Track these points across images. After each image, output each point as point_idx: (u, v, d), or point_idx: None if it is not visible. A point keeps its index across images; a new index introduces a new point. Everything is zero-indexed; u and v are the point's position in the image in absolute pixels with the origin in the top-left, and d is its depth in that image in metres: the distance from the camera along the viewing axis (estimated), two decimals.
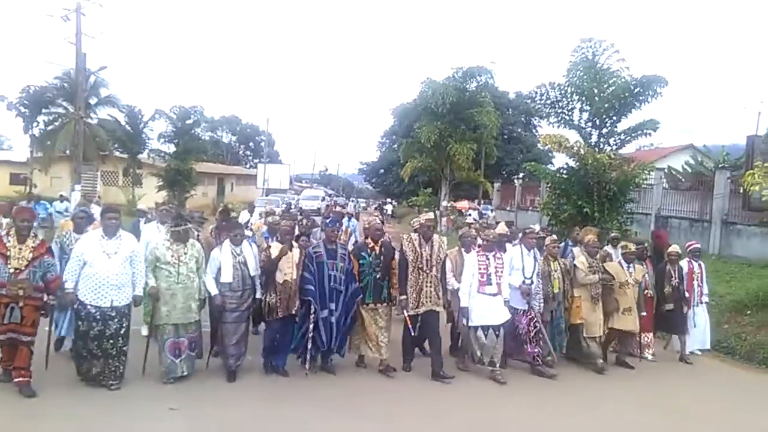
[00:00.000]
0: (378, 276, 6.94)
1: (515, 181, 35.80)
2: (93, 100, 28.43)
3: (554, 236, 8.30)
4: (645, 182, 15.98)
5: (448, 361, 7.43)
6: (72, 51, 22.36)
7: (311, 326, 6.59)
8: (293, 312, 6.63)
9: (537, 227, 8.55)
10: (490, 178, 34.66)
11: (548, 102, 15.26)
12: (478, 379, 7.15)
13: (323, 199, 44.84)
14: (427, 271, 6.92)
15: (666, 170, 26.96)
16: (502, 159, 39.43)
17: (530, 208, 33.37)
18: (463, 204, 33.65)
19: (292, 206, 35.10)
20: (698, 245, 9.17)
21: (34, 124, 27.64)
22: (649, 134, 14.79)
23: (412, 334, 6.97)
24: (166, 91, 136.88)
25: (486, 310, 6.94)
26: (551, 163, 35.09)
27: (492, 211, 34.04)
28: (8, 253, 5.57)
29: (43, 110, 27.26)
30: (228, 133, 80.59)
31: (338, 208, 17.37)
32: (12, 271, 5.52)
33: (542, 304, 7.48)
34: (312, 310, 6.60)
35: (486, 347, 6.94)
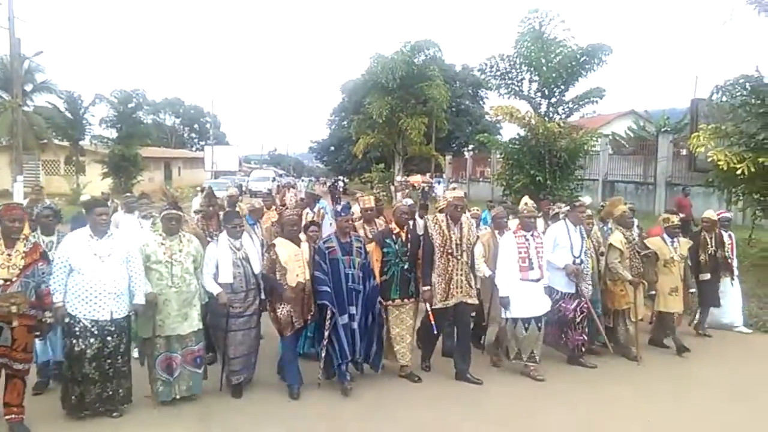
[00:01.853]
0: (405, 267, 5.97)
1: (465, 153, 36.27)
2: (29, 87, 27.12)
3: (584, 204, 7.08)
4: (592, 149, 16.47)
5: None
6: (5, 36, 21.26)
7: (326, 333, 5.55)
8: (309, 318, 5.68)
9: (587, 200, 7.65)
10: (441, 152, 34.93)
11: (498, 73, 15.54)
12: (510, 376, 6.28)
13: (273, 179, 44.33)
14: (458, 257, 5.87)
15: (611, 136, 27.84)
16: (453, 132, 39.69)
17: (481, 179, 33.93)
18: (416, 178, 33.80)
19: (243, 188, 34.73)
20: (728, 214, 8.51)
21: None
22: (596, 102, 15.29)
23: (435, 332, 5.99)
24: (105, 75, 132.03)
25: (529, 300, 6.02)
26: (500, 134, 35.64)
27: (440, 183, 34.26)
28: None
29: None
30: (171, 115, 78.41)
31: (285, 189, 17.21)
32: (0, 283, 4.49)
33: (591, 287, 6.62)
34: (329, 316, 5.54)
35: (526, 341, 6.11)
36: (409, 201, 6.77)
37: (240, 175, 51.06)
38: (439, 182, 34.47)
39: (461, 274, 5.92)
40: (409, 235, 6.09)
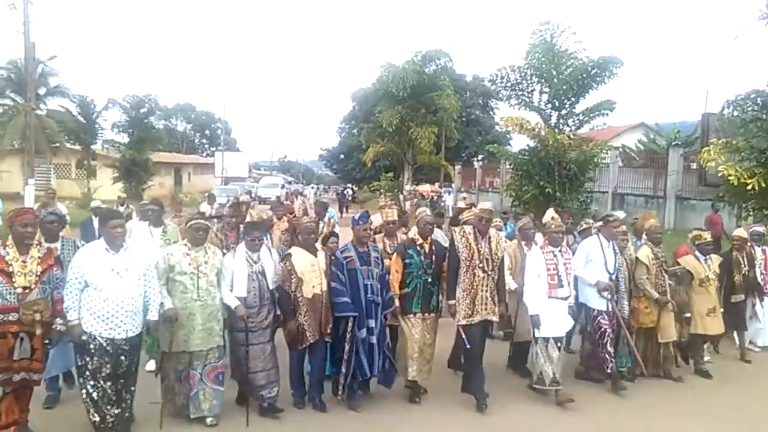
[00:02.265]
0: (429, 280, 5.73)
1: (475, 163, 36.24)
2: (42, 91, 27.36)
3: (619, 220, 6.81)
4: (602, 161, 16.44)
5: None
6: (20, 40, 21.53)
7: (347, 348, 5.33)
8: (327, 332, 5.41)
9: (620, 214, 7.34)
10: (451, 161, 34.92)
11: (508, 84, 15.51)
12: (538, 402, 5.90)
13: (282, 186, 44.45)
14: (488, 272, 5.61)
15: (621, 149, 27.74)
16: (462, 142, 39.72)
17: (490, 189, 33.89)
18: (425, 188, 33.84)
19: (252, 194, 34.85)
20: (760, 228, 8.16)
21: None
22: (606, 114, 15.24)
23: (467, 346, 5.64)
24: (118, 79, 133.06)
25: (556, 318, 5.78)
26: (509, 144, 35.66)
27: (450, 193, 34.13)
28: (10, 269, 4.41)
29: None
30: (183, 121, 78.86)
31: (293, 196, 17.27)
32: (20, 291, 4.38)
33: (626, 305, 6.40)
34: (349, 329, 5.34)
35: (555, 363, 5.77)
36: (428, 212, 6.60)
37: (250, 181, 51.20)
38: (448, 192, 34.35)
39: (486, 291, 5.63)
40: (432, 247, 5.85)
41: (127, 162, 32.80)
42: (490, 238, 5.74)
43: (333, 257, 5.58)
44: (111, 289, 4.52)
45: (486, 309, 5.64)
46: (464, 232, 5.73)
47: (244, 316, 5.05)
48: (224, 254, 5.42)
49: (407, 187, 30.62)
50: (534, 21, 18.05)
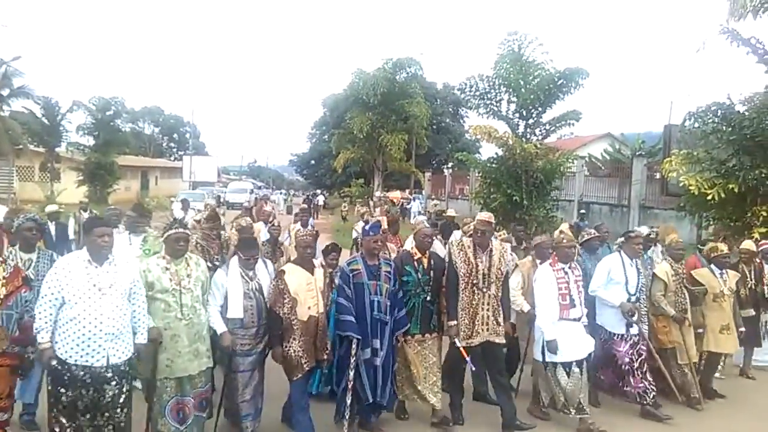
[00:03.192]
0: (428, 298, 5.22)
1: (445, 170, 36.48)
2: (5, 92, 26.78)
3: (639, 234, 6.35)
4: (568, 170, 16.73)
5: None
6: None
7: (351, 373, 4.80)
8: (324, 357, 4.83)
9: (643, 230, 6.76)
10: (421, 168, 35.15)
11: (477, 93, 15.76)
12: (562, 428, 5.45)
13: (251, 191, 44.05)
14: (484, 290, 5.14)
15: (587, 158, 28.25)
16: (432, 149, 39.99)
17: (460, 196, 34.13)
18: (395, 194, 33.88)
19: (221, 199, 34.48)
20: None
21: None
22: (573, 124, 15.60)
23: (473, 368, 5.24)
24: (84, 81, 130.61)
25: (570, 341, 5.23)
26: (479, 152, 35.97)
27: (415, 200, 33.56)
28: None
29: None
30: (150, 124, 77.65)
31: (262, 203, 17.09)
32: None
33: (645, 328, 5.89)
34: (353, 351, 4.80)
35: (570, 389, 5.26)
36: (425, 224, 6.05)
37: (218, 186, 50.67)
38: (414, 199, 34.03)
39: (488, 309, 5.16)
40: (431, 261, 5.32)
41: (92, 165, 32.31)
42: (491, 251, 5.24)
43: (341, 270, 5.08)
44: (90, 308, 3.83)
45: (488, 329, 5.15)
46: (462, 245, 5.28)
47: (230, 346, 4.58)
48: (209, 267, 4.90)
49: (377, 194, 30.70)
50: (502, 31, 18.32)
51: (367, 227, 5.37)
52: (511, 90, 15.02)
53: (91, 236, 3.97)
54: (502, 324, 5.23)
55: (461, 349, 5.11)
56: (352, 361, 4.78)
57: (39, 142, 31.72)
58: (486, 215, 5.38)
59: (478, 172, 16.54)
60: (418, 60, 29.51)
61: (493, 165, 14.73)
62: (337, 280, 5.05)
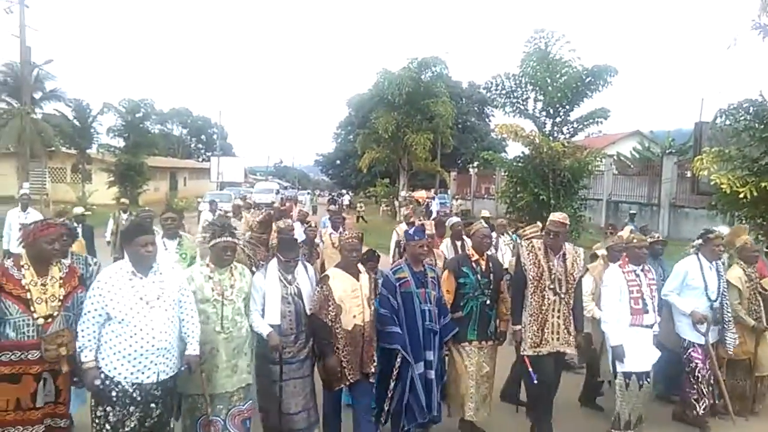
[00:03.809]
0: (487, 301, 4.95)
1: (470, 169, 36.33)
2: (38, 95, 27.36)
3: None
4: (597, 169, 16.54)
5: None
6: (16, 44, 21.60)
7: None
8: (371, 370, 4.53)
9: (723, 229, 6.27)
10: (446, 168, 35.07)
11: (503, 92, 15.66)
12: None
13: (277, 192, 44.40)
14: (561, 295, 4.77)
15: (615, 156, 27.89)
16: (458, 148, 39.90)
17: (486, 196, 33.95)
18: (420, 194, 33.83)
19: (248, 199, 34.65)
20: None
21: None
22: (601, 122, 15.39)
23: (534, 381, 4.82)
24: (114, 84, 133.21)
25: (638, 349, 4.88)
26: (505, 151, 35.79)
27: (435, 198, 32.68)
28: (28, 295, 3.62)
29: None
30: (179, 126, 78.79)
31: (291, 203, 17.18)
32: (41, 321, 3.63)
33: (735, 336, 5.50)
34: (397, 364, 4.51)
35: (635, 402, 4.92)
36: (484, 224, 5.67)
37: (245, 186, 51.19)
38: (434, 198, 33.06)
39: (558, 317, 4.78)
40: (489, 264, 5.07)
41: (122, 166, 32.89)
42: (564, 254, 4.87)
43: (384, 278, 4.76)
44: (139, 323, 3.59)
45: (558, 338, 4.79)
46: (533, 247, 4.91)
47: (278, 346, 4.29)
48: (253, 273, 4.66)
49: (403, 193, 30.69)
50: (529, 29, 18.20)
51: (411, 231, 4.98)
52: (537, 88, 14.91)
53: (133, 246, 3.69)
54: (572, 333, 4.87)
55: (526, 358, 4.80)
56: (394, 373, 4.49)
57: (71, 144, 32.38)
58: (560, 216, 4.94)
59: (504, 171, 16.44)
60: (444, 59, 29.40)
61: (520, 164, 14.63)
62: (380, 289, 4.71)
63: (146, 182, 34.72)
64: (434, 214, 20.30)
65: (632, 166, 28.92)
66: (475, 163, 35.79)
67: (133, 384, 3.57)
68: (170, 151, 63.55)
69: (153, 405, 3.66)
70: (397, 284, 4.61)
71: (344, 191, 51.93)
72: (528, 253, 4.88)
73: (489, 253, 5.26)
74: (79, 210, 9.90)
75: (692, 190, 17.10)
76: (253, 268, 4.85)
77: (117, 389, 3.55)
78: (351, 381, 4.45)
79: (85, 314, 3.58)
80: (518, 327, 4.84)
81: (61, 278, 3.77)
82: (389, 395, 4.54)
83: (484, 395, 4.99)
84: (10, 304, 3.57)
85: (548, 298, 4.77)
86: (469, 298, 4.91)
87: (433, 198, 33.41)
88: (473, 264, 4.99)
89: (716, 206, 11.89)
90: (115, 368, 3.55)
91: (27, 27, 21.44)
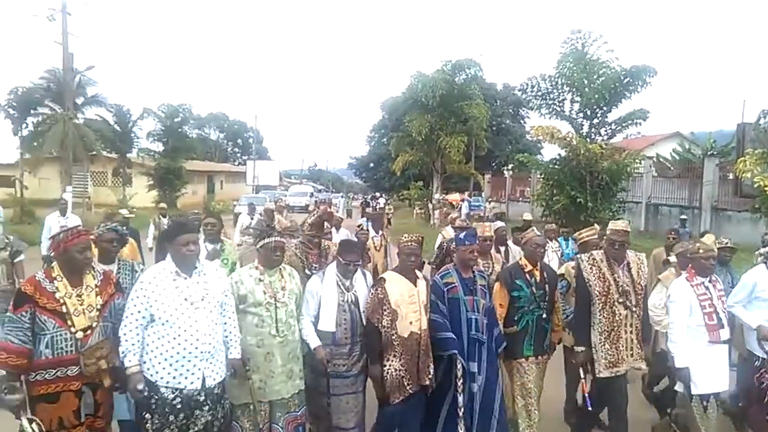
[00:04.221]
0: (543, 315, 4.68)
1: (505, 172, 35.99)
2: (80, 100, 28.14)
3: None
4: (636, 171, 16.24)
5: None
6: (59, 51, 22.25)
7: (461, 398, 4.22)
8: (427, 382, 4.27)
9: None
10: (480, 170, 34.78)
11: (539, 93, 15.55)
12: None
13: (311, 195, 44.71)
14: (631, 308, 4.48)
15: (655, 158, 27.28)
16: (492, 151, 39.57)
17: (521, 199, 33.59)
18: (454, 196, 33.62)
19: (279, 202, 34.92)
20: None
21: (23, 125, 27.31)
22: (640, 123, 15.13)
23: (590, 407, 4.63)
24: (154, 89, 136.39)
25: (718, 369, 4.46)
26: (540, 153, 35.37)
27: (464, 201, 32.00)
28: (63, 308, 3.41)
29: (32, 111, 26.94)
30: (216, 130, 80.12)
31: (326, 206, 17.21)
32: (80, 335, 3.41)
33: None
34: (459, 373, 4.23)
35: (706, 427, 4.49)
36: (536, 232, 5.23)
37: (280, 189, 51.75)
38: (464, 201, 33.01)
39: (631, 332, 4.50)
40: (544, 274, 4.77)
41: (162, 170, 33.52)
42: (629, 264, 4.59)
43: (433, 283, 4.55)
44: (183, 325, 3.46)
45: (632, 355, 4.50)
46: (594, 259, 4.60)
47: (324, 359, 4.11)
48: (307, 276, 4.54)
49: (436, 196, 30.58)
50: (565, 30, 17.96)
51: (461, 235, 4.67)
52: (574, 89, 14.76)
53: (175, 245, 3.55)
54: (642, 348, 4.60)
55: (583, 385, 4.60)
56: (459, 383, 4.20)
57: (111, 149, 33.15)
58: (622, 224, 4.64)
59: (540, 174, 16.28)
60: (478, 61, 29.14)
61: (556, 166, 14.47)
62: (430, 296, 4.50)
63: (184, 186, 35.30)
64: (463, 217, 20.12)
65: (672, 168, 28.26)
66: (510, 166, 35.44)
67: (174, 390, 3.43)
68: (207, 155, 64.65)
69: (198, 411, 3.49)
70: (445, 289, 4.41)
71: (378, 194, 52.06)
72: (590, 267, 4.56)
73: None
74: (124, 212, 9.89)
75: (735, 193, 16.66)
76: (306, 271, 4.70)
77: (157, 396, 3.42)
78: (410, 391, 4.21)
79: (127, 317, 3.47)
80: (581, 348, 4.53)
81: (96, 286, 3.57)
82: (459, 407, 4.22)
83: (536, 413, 4.72)
84: (46, 319, 3.36)
85: (619, 313, 4.48)
86: (524, 312, 4.63)
87: (463, 200, 33.07)
88: (527, 275, 4.68)
89: (760, 209, 11.56)
90: (156, 372, 3.43)
91: (69, 34, 22.12)
